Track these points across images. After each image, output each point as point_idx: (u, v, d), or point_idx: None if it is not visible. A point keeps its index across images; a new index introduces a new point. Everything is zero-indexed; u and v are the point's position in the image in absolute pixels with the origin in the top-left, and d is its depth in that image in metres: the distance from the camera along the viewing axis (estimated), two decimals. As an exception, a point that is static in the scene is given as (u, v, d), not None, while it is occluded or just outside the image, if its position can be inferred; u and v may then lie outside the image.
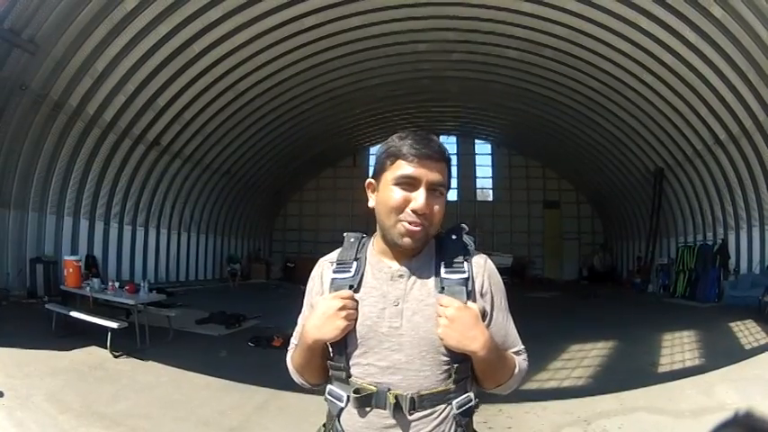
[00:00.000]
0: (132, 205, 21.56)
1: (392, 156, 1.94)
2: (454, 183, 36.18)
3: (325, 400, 2.00)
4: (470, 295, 1.92)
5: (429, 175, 1.89)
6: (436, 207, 1.91)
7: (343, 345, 1.92)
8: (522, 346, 2.08)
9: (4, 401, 6.66)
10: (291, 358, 2.13)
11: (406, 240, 1.89)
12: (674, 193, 24.53)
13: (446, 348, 1.86)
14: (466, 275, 1.94)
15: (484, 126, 34.38)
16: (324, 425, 2.04)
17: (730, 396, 7.54)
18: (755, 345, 11.65)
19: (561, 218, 36.85)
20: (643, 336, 12.94)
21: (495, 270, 2.06)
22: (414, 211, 1.87)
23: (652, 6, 15.56)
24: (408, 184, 1.89)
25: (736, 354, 10.63)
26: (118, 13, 15.09)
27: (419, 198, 1.87)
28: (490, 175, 38.22)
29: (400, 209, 1.89)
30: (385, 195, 1.93)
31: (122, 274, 20.18)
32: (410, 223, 1.88)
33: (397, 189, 1.90)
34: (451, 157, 2.02)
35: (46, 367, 8.26)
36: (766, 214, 18.34)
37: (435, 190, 1.91)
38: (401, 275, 1.95)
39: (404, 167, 1.90)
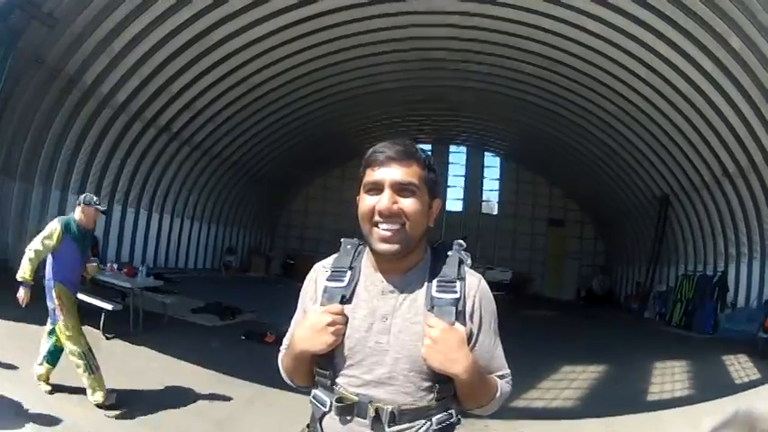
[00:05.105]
0: (137, 188, 21.49)
1: (364, 166, 1.98)
2: (459, 193, 36.29)
3: (310, 403, 2.00)
4: (459, 316, 1.90)
5: (391, 174, 1.90)
6: (407, 204, 1.90)
7: (331, 356, 1.92)
8: (507, 371, 2.08)
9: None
10: (281, 360, 2.14)
11: (382, 246, 1.89)
12: (678, 221, 24.46)
13: (429, 368, 1.86)
14: (457, 296, 1.92)
15: (494, 139, 34.43)
16: (307, 426, 2.04)
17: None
18: (746, 380, 11.68)
19: (565, 237, 36.82)
20: (635, 362, 12.94)
21: (489, 292, 2.04)
22: (380, 213, 1.88)
23: (673, 33, 15.57)
24: (375, 189, 1.92)
25: (727, 388, 10.63)
26: (139, -6, 15.12)
27: (382, 199, 1.89)
28: (497, 189, 38.22)
29: (369, 215, 1.91)
30: (359, 205, 1.96)
31: (122, 256, 20.13)
32: (382, 228, 1.89)
33: (367, 197, 1.94)
34: (428, 157, 2.01)
35: (36, 342, 8.27)
36: (768, 249, 18.34)
37: (404, 189, 1.91)
38: (392, 291, 1.95)
39: (369, 175, 1.94)
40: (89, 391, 6.31)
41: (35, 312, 6.59)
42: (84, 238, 6.77)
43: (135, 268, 12.36)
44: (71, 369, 6.46)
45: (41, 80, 15.22)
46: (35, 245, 6.33)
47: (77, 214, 6.63)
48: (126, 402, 6.52)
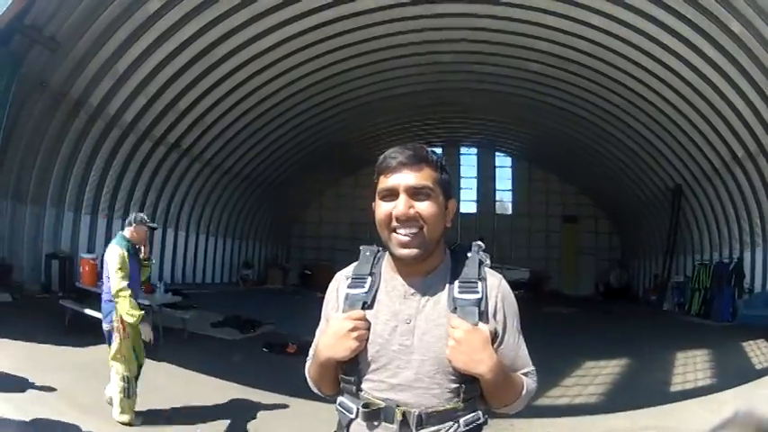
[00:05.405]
0: (151, 207, 21.43)
1: (377, 174, 2.00)
2: (473, 195, 36.16)
3: (336, 410, 2.01)
4: (483, 316, 1.91)
5: (405, 179, 1.91)
6: (423, 207, 1.91)
7: (355, 361, 1.93)
8: (532, 368, 2.08)
9: (16, 395, 6.72)
10: (308, 369, 2.15)
11: (403, 251, 1.90)
12: (692, 211, 24.30)
13: (454, 369, 1.86)
14: (479, 296, 1.92)
15: (505, 139, 34.31)
16: (334, 433, 2.05)
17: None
18: (766, 365, 11.66)
19: (579, 233, 36.66)
20: (656, 354, 12.88)
21: (510, 291, 2.05)
22: (397, 219, 1.89)
23: (674, 22, 15.51)
24: (390, 195, 1.93)
25: (748, 373, 10.61)
26: (141, 14, 15.13)
27: (398, 204, 1.89)
28: (510, 189, 38.14)
29: (387, 221, 1.92)
30: (376, 212, 1.97)
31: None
32: (400, 233, 1.90)
33: (383, 203, 1.95)
34: (440, 159, 2.01)
35: (58, 362, 8.32)
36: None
37: (419, 193, 1.92)
38: (413, 294, 1.96)
39: (383, 182, 1.96)
40: (117, 410, 6.35)
41: (47, 332, 6.60)
42: (138, 254, 6.96)
43: (153, 285, 12.46)
44: (89, 385, 6.51)
45: (47, 104, 15.33)
46: (120, 284, 6.26)
47: (129, 233, 6.76)
48: (149, 417, 6.55)
